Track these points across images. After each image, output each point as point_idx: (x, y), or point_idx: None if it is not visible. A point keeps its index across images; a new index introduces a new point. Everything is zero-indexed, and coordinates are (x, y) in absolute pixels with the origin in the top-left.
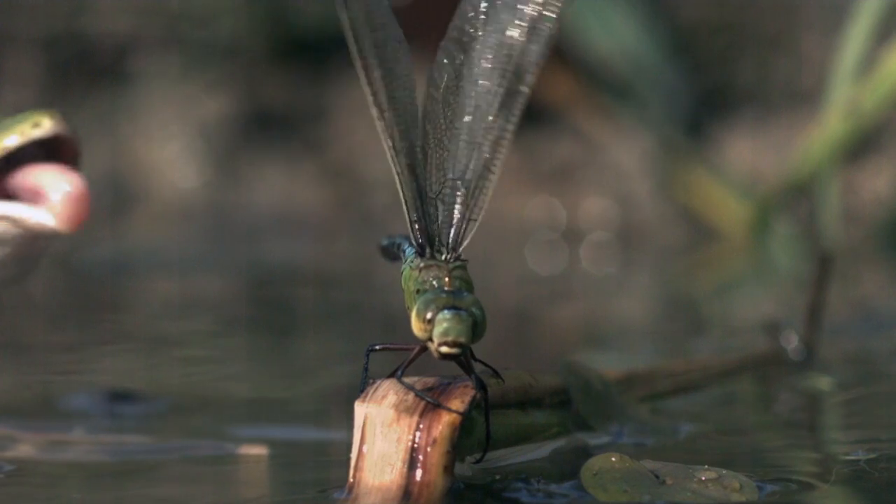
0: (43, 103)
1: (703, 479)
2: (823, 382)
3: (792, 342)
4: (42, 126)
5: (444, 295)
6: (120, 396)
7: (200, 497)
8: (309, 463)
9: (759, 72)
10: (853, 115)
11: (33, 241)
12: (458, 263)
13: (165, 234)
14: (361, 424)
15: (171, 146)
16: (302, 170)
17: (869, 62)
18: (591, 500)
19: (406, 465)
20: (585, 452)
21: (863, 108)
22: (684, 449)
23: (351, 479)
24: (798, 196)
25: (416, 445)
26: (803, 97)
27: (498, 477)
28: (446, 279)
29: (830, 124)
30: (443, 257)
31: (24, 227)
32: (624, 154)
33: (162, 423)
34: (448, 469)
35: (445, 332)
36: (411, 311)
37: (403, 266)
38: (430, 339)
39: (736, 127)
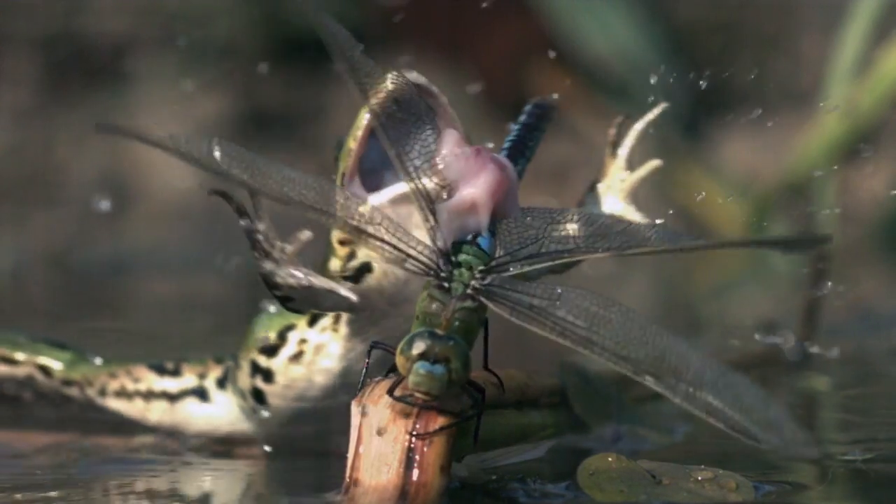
0: (40, 103)
1: (700, 478)
2: (820, 382)
3: (789, 342)
4: (389, 80)
5: (430, 341)
6: None
7: (200, 497)
8: (306, 463)
9: (756, 72)
10: (850, 115)
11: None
12: (467, 304)
13: (163, 234)
14: (358, 425)
15: None
16: (299, 169)
17: (866, 62)
18: (588, 499)
19: (403, 465)
20: (582, 452)
21: (860, 108)
22: (681, 449)
23: (347, 479)
24: (795, 196)
25: (412, 445)
26: (801, 97)
27: (494, 477)
28: (444, 321)
29: (828, 124)
30: (458, 288)
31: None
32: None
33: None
34: (444, 469)
35: (418, 384)
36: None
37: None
38: (407, 378)
39: (733, 127)
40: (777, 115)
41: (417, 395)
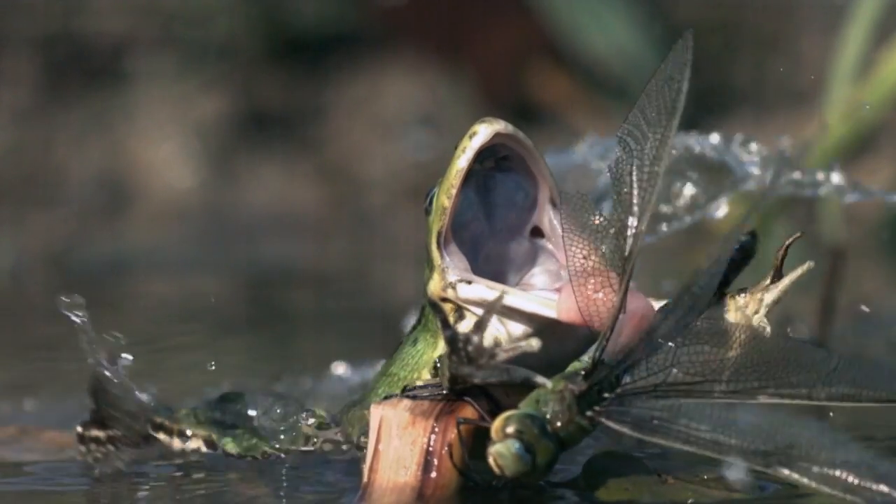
0: (40, 103)
1: (705, 477)
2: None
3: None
4: (478, 134)
5: (536, 430)
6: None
7: (215, 496)
8: (320, 463)
9: (756, 72)
10: (852, 116)
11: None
12: (584, 423)
13: (162, 234)
14: (377, 426)
15: (166, 146)
16: (298, 169)
17: (867, 63)
18: (593, 497)
19: (421, 468)
20: (589, 451)
21: (861, 111)
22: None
23: (365, 480)
24: (796, 197)
25: (431, 449)
26: (801, 97)
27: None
28: (560, 424)
29: (829, 125)
30: (584, 406)
31: (529, 317)
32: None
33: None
34: (462, 472)
35: (500, 455)
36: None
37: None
38: (492, 441)
39: (733, 127)
40: (777, 115)
41: (491, 461)
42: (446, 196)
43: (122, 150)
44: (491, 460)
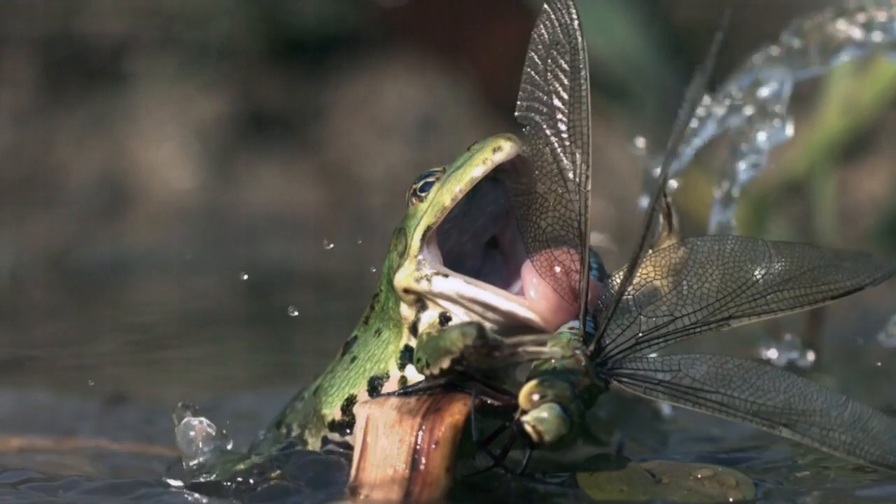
0: (40, 103)
1: (700, 476)
2: (822, 381)
3: (794, 346)
4: (503, 149)
5: (569, 393)
6: (117, 400)
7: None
8: (310, 462)
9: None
10: (850, 111)
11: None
12: (599, 384)
13: (162, 235)
14: (364, 425)
15: (166, 147)
16: (298, 170)
17: (865, 60)
18: (588, 499)
19: (408, 466)
20: (582, 453)
21: (860, 105)
22: (682, 447)
23: (352, 479)
24: (793, 196)
25: (418, 447)
26: (799, 96)
27: (495, 476)
28: (583, 384)
29: (827, 121)
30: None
31: (503, 315)
32: (619, 155)
33: (161, 426)
34: (450, 470)
35: (542, 421)
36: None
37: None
38: (524, 411)
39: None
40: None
41: (529, 429)
42: (451, 197)
43: (122, 151)
44: (529, 428)
